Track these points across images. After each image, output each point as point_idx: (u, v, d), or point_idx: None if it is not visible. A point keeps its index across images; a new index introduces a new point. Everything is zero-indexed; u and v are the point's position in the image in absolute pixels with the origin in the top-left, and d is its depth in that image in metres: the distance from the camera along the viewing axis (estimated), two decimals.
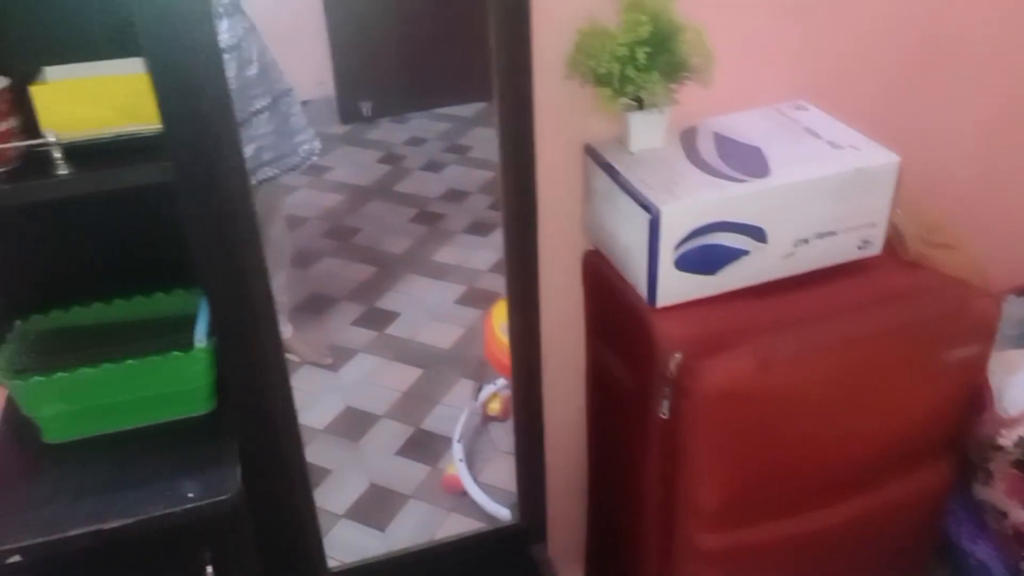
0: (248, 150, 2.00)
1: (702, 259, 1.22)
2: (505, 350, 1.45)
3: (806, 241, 1.26)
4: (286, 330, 2.38)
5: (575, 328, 1.51)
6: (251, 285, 1.09)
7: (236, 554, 1.12)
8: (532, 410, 1.39)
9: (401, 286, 2.77)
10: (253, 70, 1.94)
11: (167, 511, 1.03)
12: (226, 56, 1.86)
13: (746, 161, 1.26)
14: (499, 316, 1.87)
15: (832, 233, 1.27)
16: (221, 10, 1.83)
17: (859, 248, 1.31)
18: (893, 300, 1.28)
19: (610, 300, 1.37)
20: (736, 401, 1.20)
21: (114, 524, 1.02)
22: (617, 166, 1.27)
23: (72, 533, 1.01)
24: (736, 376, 1.19)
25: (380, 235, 3.01)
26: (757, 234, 1.23)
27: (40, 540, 1.01)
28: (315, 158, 2.20)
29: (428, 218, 3.05)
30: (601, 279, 1.39)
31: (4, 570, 1.01)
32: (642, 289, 1.25)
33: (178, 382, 1.14)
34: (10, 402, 1.19)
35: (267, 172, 2.08)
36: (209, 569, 1.09)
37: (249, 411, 1.14)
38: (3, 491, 1.08)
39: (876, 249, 1.32)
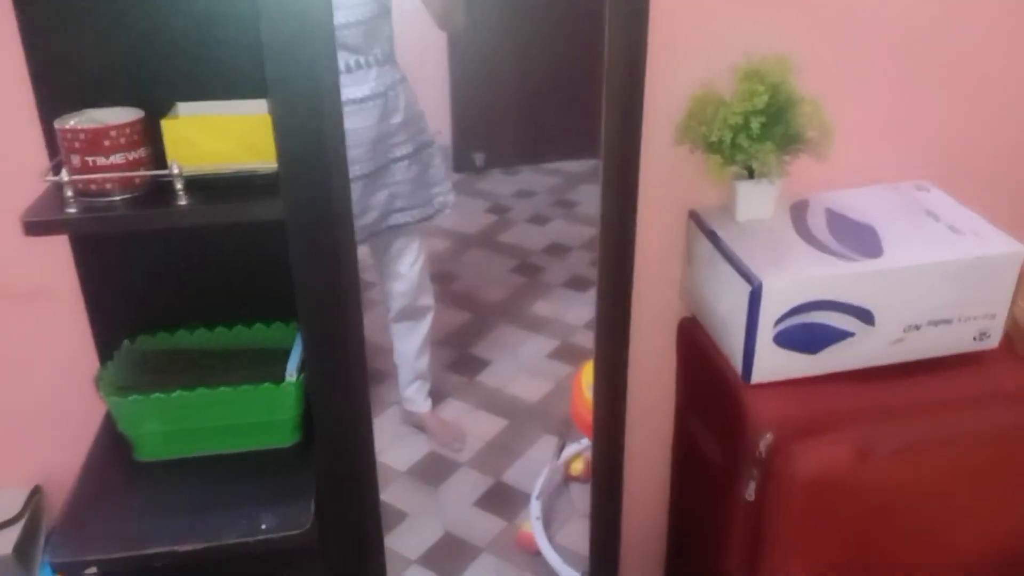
0: (382, 196, 2.05)
1: (804, 337, 1.17)
2: (591, 410, 1.42)
3: (917, 328, 1.20)
4: (424, 405, 2.38)
5: (665, 396, 1.47)
6: (345, 326, 1.10)
7: None
8: (611, 475, 1.35)
9: (495, 335, 2.77)
10: (398, 118, 2.00)
11: (241, 540, 1.05)
12: (370, 103, 1.94)
13: (858, 239, 1.21)
14: (588, 375, 1.84)
15: (946, 321, 1.20)
16: (372, 59, 1.90)
17: (974, 340, 1.23)
18: (1008, 399, 1.20)
19: (703, 371, 1.33)
20: (829, 491, 1.14)
21: (188, 547, 1.03)
22: (721, 234, 1.24)
23: (149, 551, 1.03)
24: (831, 464, 1.13)
25: (479, 283, 3.03)
26: (865, 316, 1.17)
27: (118, 555, 1.03)
28: (448, 211, 2.22)
29: (528, 270, 3.06)
30: (696, 348, 1.35)
31: None
32: (737, 362, 1.21)
33: (267, 412, 1.17)
34: (108, 417, 1.24)
35: (398, 219, 2.12)
36: None
37: (331, 447, 1.15)
38: (91, 504, 1.12)
39: (993, 342, 1.24)
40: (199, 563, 1.06)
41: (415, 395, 2.38)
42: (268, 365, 1.19)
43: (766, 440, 1.15)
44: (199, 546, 1.04)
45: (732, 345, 1.22)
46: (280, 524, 1.06)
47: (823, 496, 1.14)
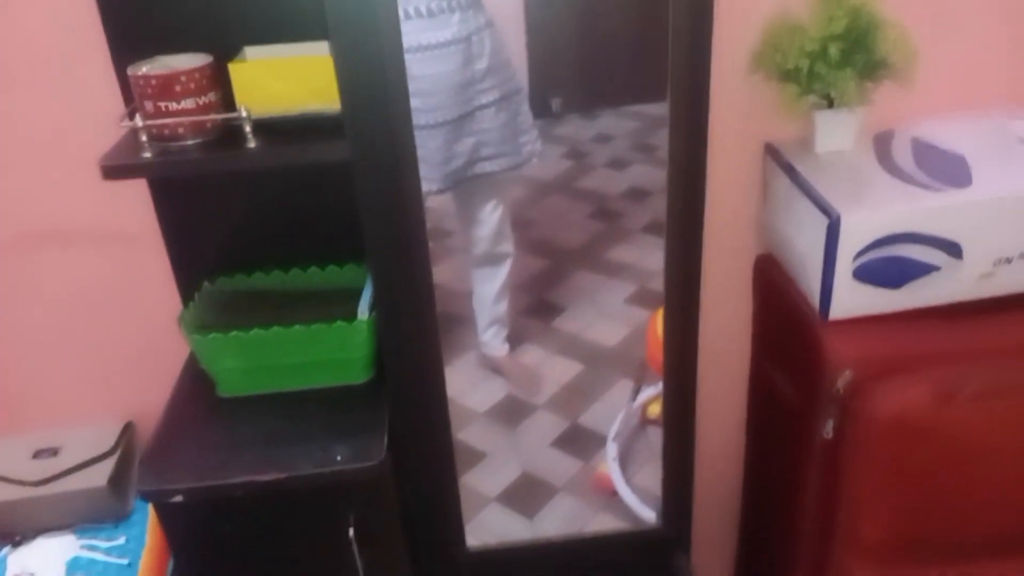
0: (468, 143, 2.04)
1: (885, 271, 1.12)
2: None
3: (1009, 261, 1.13)
4: (502, 349, 2.40)
5: (740, 337, 1.44)
6: (413, 264, 1.11)
7: (378, 520, 1.16)
8: (683, 415, 1.33)
9: (573, 281, 2.75)
10: (482, 64, 1.98)
11: (316, 471, 1.08)
12: (452, 48, 1.92)
13: (946, 170, 1.15)
14: (663, 318, 1.81)
15: None
16: (455, 3, 1.88)
17: None
18: None
19: (780, 309, 1.29)
20: (908, 432, 1.10)
21: (267, 477, 1.07)
22: (799, 167, 1.19)
23: (230, 481, 1.08)
24: (911, 404, 1.09)
25: (557, 229, 3.01)
26: (952, 249, 1.11)
27: (201, 484, 1.08)
28: (535, 160, 2.20)
29: (606, 215, 3.01)
30: (772, 286, 1.32)
31: (167, 509, 1.09)
32: (815, 299, 1.17)
33: (340, 350, 1.19)
34: (191, 356, 1.29)
35: (484, 167, 2.11)
36: (351, 532, 1.13)
37: (401, 384, 1.17)
38: (176, 437, 1.17)
39: None
40: (277, 494, 1.10)
41: (493, 339, 2.39)
42: (341, 305, 1.22)
43: (845, 378, 1.12)
44: (277, 476, 1.07)
45: (810, 281, 1.18)
46: (353, 456, 1.09)
47: (902, 437, 1.10)
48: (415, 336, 1.15)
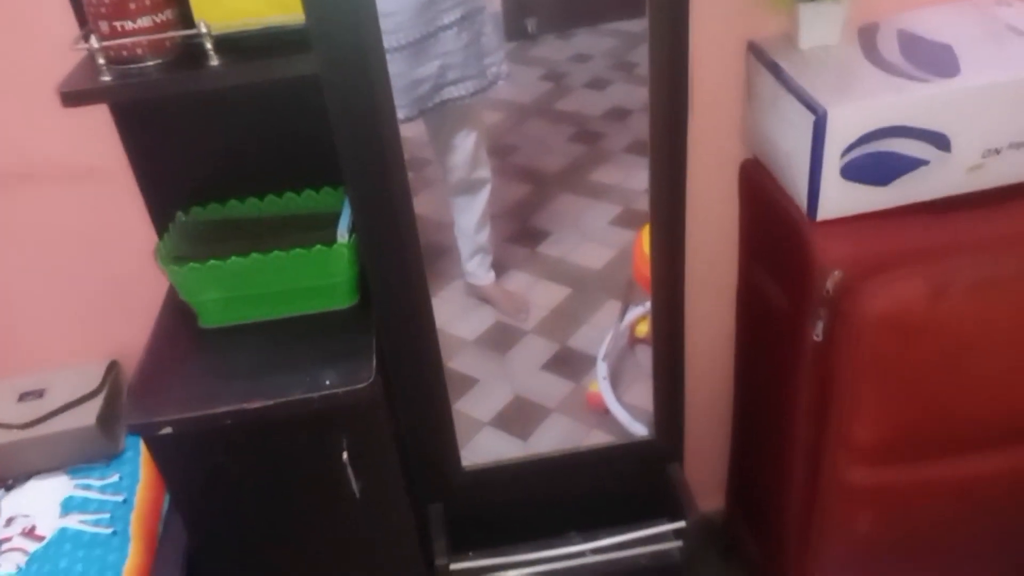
0: (432, 67, 1.98)
1: (873, 168, 1.10)
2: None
3: (998, 152, 1.11)
4: (487, 277, 2.38)
5: (727, 246, 1.43)
6: (391, 182, 1.08)
7: (371, 443, 1.15)
8: (672, 327, 1.32)
9: (556, 206, 2.72)
10: None
11: (305, 396, 1.07)
12: None
13: (933, 60, 1.12)
14: (649, 234, 1.80)
15: None
16: None
17: None
18: None
19: (767, 214, 1.27)
20: (899, 330, 1.10)
21: (256, 405, 1.06)
22: (783, 64, 1.16)
23: (218, 411, 1.06)
24: (902, 301, 1.09)
25: (537, 154, 2.96)
26: (940, 142, 1.09)
27: (189, 415, 1.07)
28: (502, 82, 2.14)
29: (588, 137, 2.97)
30: (758, 191, 1.29)
31: (157, 442, 1.08)
32: (801, 200, 1.15)
33: (322, 275, 1.17)
34: (171, 290, 1.27)
35: (451, 92, 2.06)
36: (345, 456, 1.12)
37: (386, 305, 1.16)
38: (161, 370, 1.15)
39: None
40: (267, 422, 1.09)
41: (477, 268, 2.38)
42: (320, 229, 1.19)
43: (834, 278, 1.11)
44: (265, 403, 1.06)
45: (797, 182, 1.15)
46: (342, 380, 1.08)
47: (893, 335, 1.10)
48: (397, 255, 1.13)
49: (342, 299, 1.21)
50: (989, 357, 1.13)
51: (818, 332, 1.16)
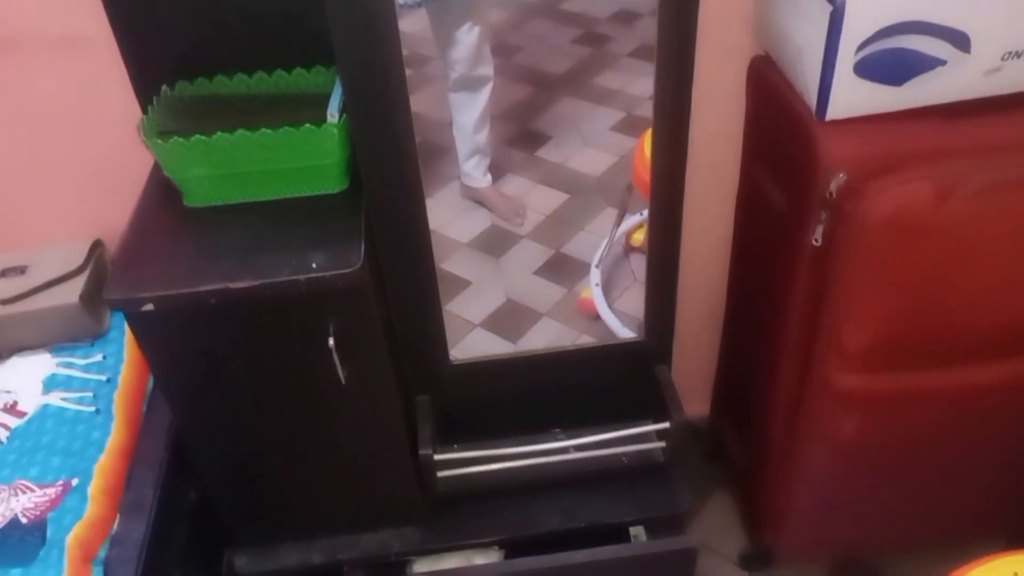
0: None
1: (888, 65, 1.06)
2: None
3: (1018, 56, 1.07)
4: (484, 180, 2.33)
5: (731, 144, 1.39)
6: (385, 62, 1.03)
7: (359, 330, 1.13)
8: (669, 227, 1.29)
9: (557, 109, 2.66)
10: None
11: (292, 278, 1.04)
12: None
13: None
14: (652, 134, 1.75)
15: None
16: None
17: None
18: None
19: (774, 113, 1.23)
20: (902, 233, 1.07)
21: (241, 284, 1.04)
22: None
23: (203, 289, 1.04)
24: (906, 204, 1.06)
25: (540, 55, 2.88)
26: (960, 41, 1.05)
27: (173, 292, 1.04)
28: None
29: (593, 40, 2.88)
30: (766, 88, 1.25)
31: (140, 319, 1.06)
32: (811, 97, 1.11)
33: (311, 156, 1.13)
34: (156, 168, 1.23)
35: None
36: (331, 342, 1.11)
37: (376, 192, 1.12)
38: (144, 247, 1.12)
39: None
40: (253, 303, 1.07)
41: (474, 170, 2.33)
42: (310, 109, 1.15)
43: (838, 180, 1.07)
44: (251, 283, 1.04)
45: (807, 79, 1.11)
46: (330, 263, 1.06)
47: (896, 238, 1.07)
48: (389, 139, 1.09)
49: (332, 183, 1.17)
50: (991, 265, 1.11)
51: (817, 236, 1.14)
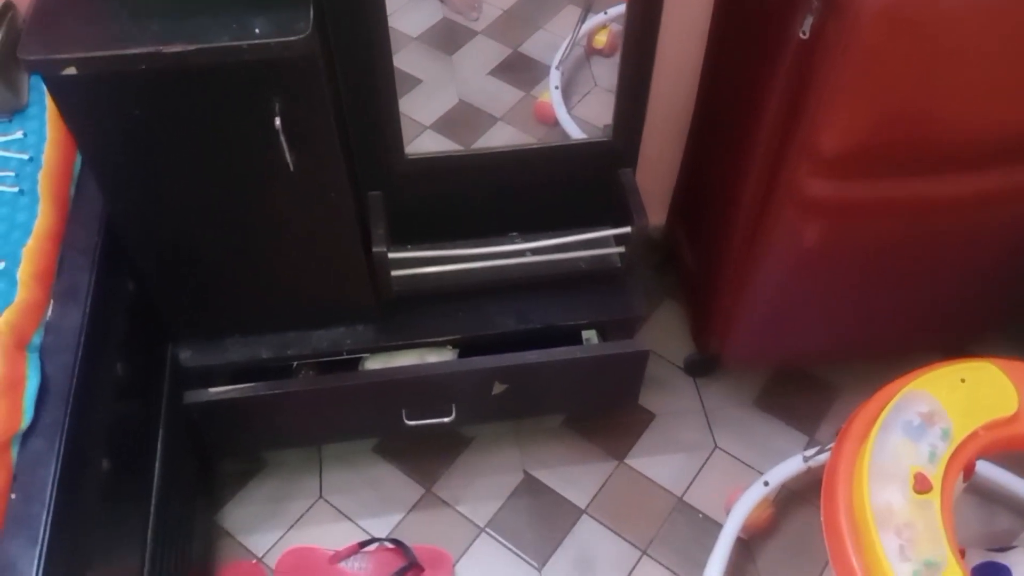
0: None
1: None
2: None
3: None
4: None
5: None
6: None
7: (307, 110, 1.04)
8: (645, 21, 1.19)
9: None
10: None
11: (232, 44, 0.93)
12: None
13: None
14: None
15: None
16: None
17: None
18: None
19: None
20: (896, 27, 1.00)
21: (175, 49, 0.92)
22: None
23: (131, 52, 0.93)
24: None
25: None
26: None
27: (97, 54, 0.93)
28: None
29: None
30: None
31: (61, 86, 0.95)
32: None
33: None
34: None
35: None
36: (277, 121, 1.01)
37: None
38: (62, 5, 0.99)
39: None
40: (188, 70, 0.96)
41: None
42: None
43: None
44: (185, 47, 0.93)
45: None
46: (275, 30, 0.95)
47: (889, 31, 1.00)
48: None
49: None
50: (986, 69, 1.06)
51: (805, 28, 1.07)
